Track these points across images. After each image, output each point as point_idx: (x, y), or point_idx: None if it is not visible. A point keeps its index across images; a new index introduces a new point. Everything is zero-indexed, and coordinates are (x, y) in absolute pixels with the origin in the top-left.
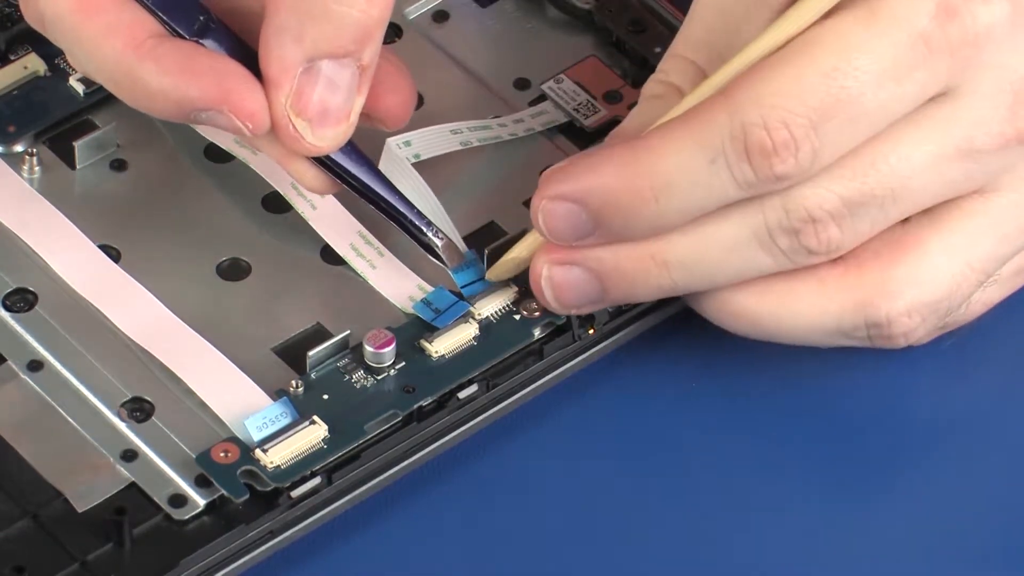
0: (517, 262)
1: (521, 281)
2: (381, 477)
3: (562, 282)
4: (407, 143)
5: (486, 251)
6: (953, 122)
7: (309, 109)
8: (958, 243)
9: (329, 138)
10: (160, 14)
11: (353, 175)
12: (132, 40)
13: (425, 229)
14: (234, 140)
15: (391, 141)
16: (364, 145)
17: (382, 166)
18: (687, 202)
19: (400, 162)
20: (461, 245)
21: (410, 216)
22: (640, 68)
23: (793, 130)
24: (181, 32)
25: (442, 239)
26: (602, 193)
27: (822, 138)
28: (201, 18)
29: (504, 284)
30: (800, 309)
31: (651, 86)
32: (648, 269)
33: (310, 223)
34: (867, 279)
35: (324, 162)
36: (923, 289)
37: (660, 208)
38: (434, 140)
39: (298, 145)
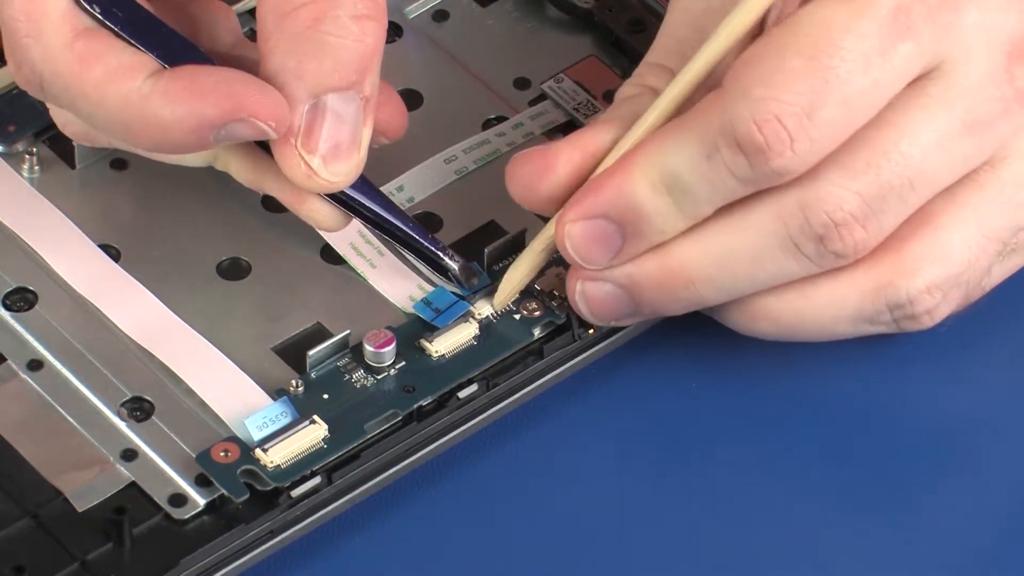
0: (518, 284)
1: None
2: (381, 477)
3: (595, 297)
4: (400, 188)
5: (486, 251)
6: (953, 96)
7: (320, 146)
8: (971, 216)
9: (343, 172)
10: (163, 63)
11: (367, 207)
12: (135, 81)
13: (441, 254)
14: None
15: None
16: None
17: None
18: (697, 195)
19: None
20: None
21: (424, 242)
22: None
23: (786, 121)
24: None
25: (458, 262)
26: (620, 197)
27: (818, 126)
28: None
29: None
30: (820, 302)
31: (626, 89)
32: (675, 285)
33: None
34: (883, 262)
35: (337, 197)
36: (940, 265)
37: (674, 200)
38: (427, 177)
39: (312, 183)
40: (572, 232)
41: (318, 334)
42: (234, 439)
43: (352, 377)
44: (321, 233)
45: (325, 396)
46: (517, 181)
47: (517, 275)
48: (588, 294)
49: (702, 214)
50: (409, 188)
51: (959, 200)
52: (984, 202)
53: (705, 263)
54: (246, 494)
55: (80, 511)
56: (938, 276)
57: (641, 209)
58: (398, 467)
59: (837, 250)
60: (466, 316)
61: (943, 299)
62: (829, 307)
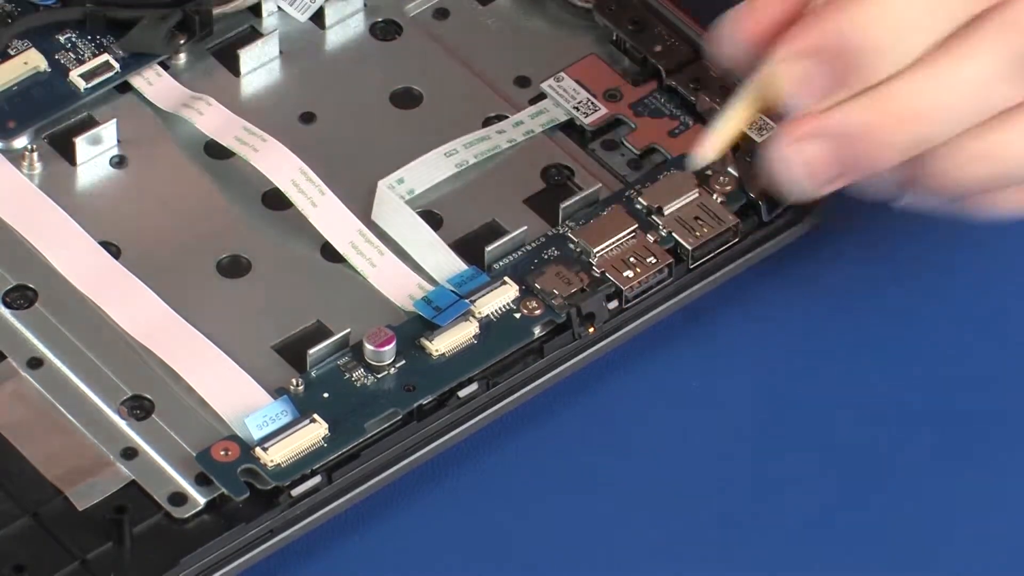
0: (728, 136)
1: (521, 279)
2: (381, 476)
3: (807, 155)
4: (400, 181)
5: (486, 251)
6: None
7: None
8: None
9: None
10: None
11: None
12: None
13: None
14: (235, 138)
15: (383, 183)
16: (356, 182)
17: (376, 210)
18: (918, 24)
19: (394, 202)
20: (456, 261)
21: None
22: (640, 66)
23: None
24: None
25: None
26: (839, 32)
27: None
28: None
29: (504, 283)
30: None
31: None
32: (891, 126)
33: (310, 220)
34: None
35: None
36: None
37: (897, 33)
38: (428, 170)
39: None
40: (785, 70)
41: (318, 332)
42: (234, 438)
43: (352, 376)
44: (321, 231)
45: (325, 395)
46: (725, 32)
47: (727, 127)
48: (801, 153)
49: (923, 45)
50: (409, 180)
51: None
52: None
53: (927, 96)
54: (246, 493)
55: (80, 510)
56: None
57: (861, 44)
58: (398, 466)
59: None
60: (466, 315)
61: None
62: None
